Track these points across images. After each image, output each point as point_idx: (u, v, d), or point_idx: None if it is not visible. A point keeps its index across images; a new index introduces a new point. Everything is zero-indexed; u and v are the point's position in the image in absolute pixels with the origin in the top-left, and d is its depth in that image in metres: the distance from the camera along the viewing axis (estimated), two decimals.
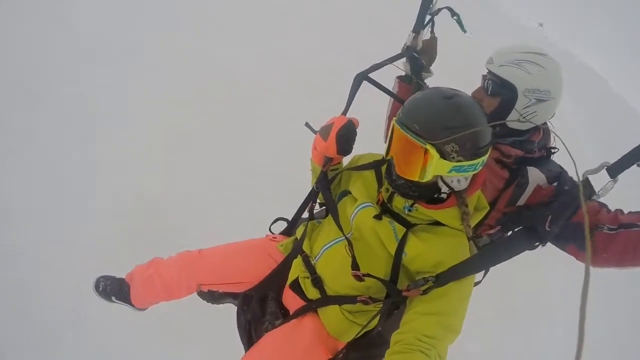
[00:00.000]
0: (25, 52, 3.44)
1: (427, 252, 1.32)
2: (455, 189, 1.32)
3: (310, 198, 1.69)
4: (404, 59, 1.86)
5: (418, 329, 1.22)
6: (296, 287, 1.58)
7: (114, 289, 1.81)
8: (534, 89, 1.52)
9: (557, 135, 1.38)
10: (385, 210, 1.43)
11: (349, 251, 1.41)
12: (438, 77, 1.87)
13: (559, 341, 2.90)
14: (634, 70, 5.81)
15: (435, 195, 1.35)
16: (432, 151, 1.21)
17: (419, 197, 1.35)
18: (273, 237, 1.79)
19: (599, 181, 1.28)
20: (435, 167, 1.23)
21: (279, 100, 3.52)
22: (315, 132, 1.58)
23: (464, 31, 1.80)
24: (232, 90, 3.52)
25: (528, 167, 1.58)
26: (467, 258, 1.31)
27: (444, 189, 1.32)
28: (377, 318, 1.41)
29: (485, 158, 1.29)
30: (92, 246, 2.54)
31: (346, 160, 1.66)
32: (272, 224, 1.80)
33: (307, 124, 1.61)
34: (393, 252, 1.36)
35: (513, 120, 1.56)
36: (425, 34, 1.83)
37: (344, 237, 1.46)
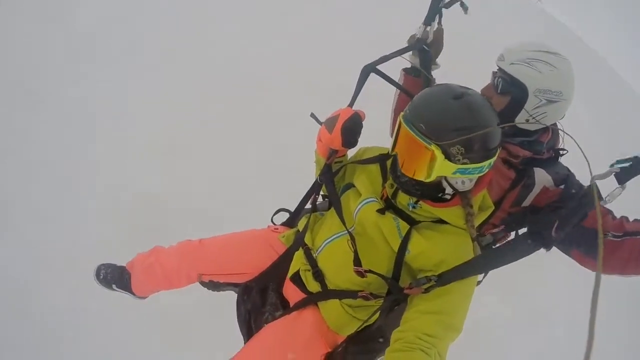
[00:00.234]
0: (25, 52, 3.45)
1: (430, 250, 1.31)
2: (460, 190, 1.31)
3: (314, 190, 1.68)
4: (410, 52, 1.82)
5: (419, 327, 1.21)
6: (297, 279, 1.57)
7: (115, 277, 1.80)
8: (545, 90, 1.49)
9: (570, 137, 1.36)
10: (389, 205, 1.41)
11: (351, 246, 1.40)
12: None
13: (559, 340, 2.90)
14: (632, 46, 5.66)
15: (440, 195, 1.33)
16: (437, 152, 1.19)
17: (423, 196, 1.33)
18: (275, 228, 1.78)
19: (606, 186, 1.27)
20: (440, 168, 1.21)
21: (278, 100, 3.51)
22: (320, 123, 1.56)
23: (466, 12, 1.76)
24: (232, 89, 3.51)
25: (535, 169, 1.55)
26: (470, 259, 1.30)
27: (448, 189, 1.30)
28: (378, 314, 1.41)
29: (492, 160, 1.26)
30: (92, 246, 2.55)
31: (351, 153, 1.65)
32: (274, 214, 1.79)
33: (312, 115, 1.59)
34: (396, 249, 1.35)
35: (522, 123, 1.54)
36: (433, 26, 1.79)
37: (346, 231, 1.45)
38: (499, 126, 1.23)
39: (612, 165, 1.20)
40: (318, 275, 1.51)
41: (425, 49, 1.77)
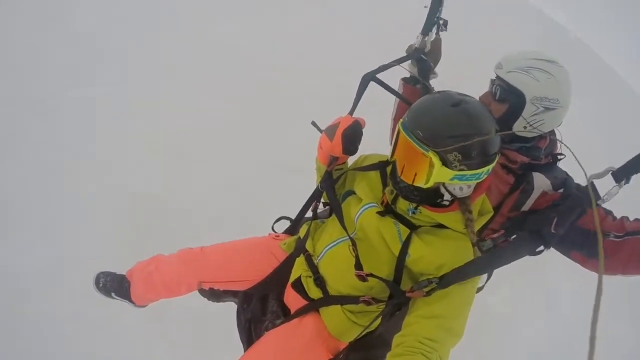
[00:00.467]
0: (25, 52, 3.45)
1: (431, 254, 1.32)
2: (458, 196, 1.32)
3: (315, 197, 1.68)
4: (409, 61, 1.85)
5: (420, 332, 1.22)
6: (298, 286, 1.57)
7: (114, 285, 1.79)
8: (542, 97, 1.51)
9: (567, 147, 1.37)
10: (389, 211, 1.42)
11: (352, 251, 1.41)
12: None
13: (559, 339, 2.92)
14: (631, 46, 5.63)
15: (438, 201, 1.34)
16: (434, 159, 1.20)
17: (422, 201, 1.35)
18: (276, 236, 1.78)
19: (604, 185, 1.28)
20: (437, 174, 1.22)
21: (278, 100, 3.52)
22: (321, 131, 1.57)
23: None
24: (232, 89, 3.52)
25: (534, 173, 1.57)
26: (471, 260, 1.31)
27: (447, 195, 1.31)
28: (379, 320, 1.41)
29: (490, 167, 1.27)
30: (92, 246, 2.55)
31: (351, 161, 1.66)
32: (274, 222, 1.80)
33: (313, 123, 1.61)
34: (397, 253, 1.35)
35: (520, 131, 1.55)
36: (431, 36, 1.82)
37: (347, 237, 1.45)
38: (496, 134, 1.25)
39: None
40: (319, 282, 1.51)
41: (423, 59, 1.80)
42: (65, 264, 2.49)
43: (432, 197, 1.33)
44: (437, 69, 1.88)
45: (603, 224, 1.46)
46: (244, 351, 1.68)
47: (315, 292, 1.53)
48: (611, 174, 1.26)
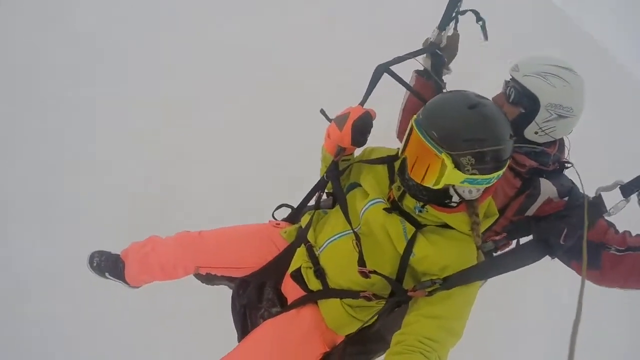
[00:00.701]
0: (25, 52, 3.41)
1: (435, 255, 1.32)
2: (466, 199, 1.31)
3: (319, 187, 1.66)
4: (424, 54, 1.82)
5: (420, 331, 1.22)
6: (298, 276, 1.56)
7: (109, 265, 1.73)
8: (557, 104, 1.51)
9: (572, 164, 1.38)
10: (395, 208, 1.41)
11: (356, 246, 1.40)
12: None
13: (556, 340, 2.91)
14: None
15: (446, 202, 1.33)
16: (447, 161, 1.19)
17: (429, 201, 1.34)
18: (276, 224, 1.76)
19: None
20: (448, 176, 1.21)
21: (278, 99, 3.49)
22: (330, 120, 1.55)
23: (486, 39, 1.76)
24: (232, 89, 3.50)
25: (541, 179, 1.57)
26: (477, 264, 1.31)
27: (455, 197, 1.30)
28: (378, 315, 1.41)
29: (501, 172, 1.26)
30: (91, 247, 2.53)
31: (356, 153, 1.64)
32: (275, 209, 1.77)
33: (322, 111, 1.58)
34: (401, 251, 1.35)
35: (531, 136, 1.55)
36: (448, 31, 1.79)
37: (351, 231, 1.44)
38: (511, 137, 1.24)
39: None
40: (319, 274, 1.50)
41: (438, 53, 1.77)
42: (65, 264, 2.48)
43: (440, 198, 1.32)
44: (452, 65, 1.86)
45: (605, 236, 1.47)
46: (238, 337, 1.68)
47: (314, 284, 1.52)
48: (619, 187, 1.27)
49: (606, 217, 1.34)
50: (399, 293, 1.35)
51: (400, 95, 1.90)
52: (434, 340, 1.20)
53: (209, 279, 1.77)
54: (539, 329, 2.98)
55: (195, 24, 3.89)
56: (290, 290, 1.59)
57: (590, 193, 1.40)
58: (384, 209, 1.39)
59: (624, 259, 1.42)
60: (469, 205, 1.33)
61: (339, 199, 1.54)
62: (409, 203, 1.38)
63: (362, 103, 1.58)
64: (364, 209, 1.44)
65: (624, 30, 5.35)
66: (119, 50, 3.59)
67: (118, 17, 3.77)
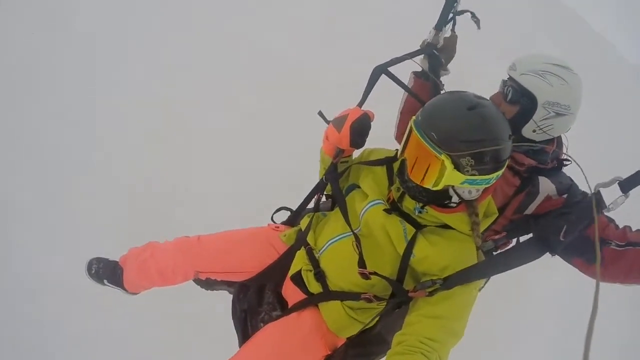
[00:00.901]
0: (24, 52, 3.42)
1: (435, 255, 1.32)
2: (466, 199, 1.31)
3: (318, 189, 1.66)
4: (422, 55, 1.82)
5: (421, 331, 1.22)
6: (298, 279, 1.55)
7: (107, 272, 1.72)
8: (554, 102, 1.50)
9: (574, 160, 1.37)
10: (395, 209, 1.41)
11: (356, 247, 1.40)
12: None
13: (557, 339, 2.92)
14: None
15: (446, 202, 1.33)
16: (447, 162, 1.19)
17: (429, 202, 1.34)
18: (275, 227, 1.74)
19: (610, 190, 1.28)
20: (448, 177, 1.21)
21: (277, 98, 3.51)
22: (328, 122, 1.54)
23: (478, 27, 1.77)
24: (232, 89, 3.51)
25: (540, 177, 1.56)
26: (477, 263, 1.31)
27: (455, 198, 1.30)
28: (379, 317, 1.41)
29: (500, 173, 1.27)
30: (92, 247, 2.52)
31: (355, 154, 1.64)
32: (274, 212, 1.76)
33: (320, 113, 1.57)
34: (402, 252, 1.35)
35: (529, 134, 1.55)
36: (446, 32, 1.79)
37: (351, 233, 1.44)
38: (510, 138, 1.24)
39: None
40: (320, 276, 1.49)
41: (435, 54, 1.77)
42: (66, 264, 2.48)
43: (440, 198, 1.32)
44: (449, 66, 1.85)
45: (605, 232, 1.47)
46: (239, 341, 1.67)
47: (315, 287, 1.51)
48: (618, 184, 1.27)
49: (605, 213, 1.34)
50: (400, 294, 1.35)
51: (398, 96, 1.91)
52: (434, 341, 1.20)
53: (208, 284, 1.76)
54: (539, 329, 2.98)
55: (195, 24, 3.89)
56: (291, 293, 1.58)
57: (587, 190, 1.40)
58: (384, 210, 1.39)
59: (625, 254, 1.42)
60: (469, 206, 1.33)
61: (338, 201, 1.54)
62: (409, 204, 1.38)
63: (360, 104, 1.58)
64: (363, 211, 1.44)
65: (625, 27, 5.32)
66: (119, 50, 3.59)
67: (118, 17, 3.77)
